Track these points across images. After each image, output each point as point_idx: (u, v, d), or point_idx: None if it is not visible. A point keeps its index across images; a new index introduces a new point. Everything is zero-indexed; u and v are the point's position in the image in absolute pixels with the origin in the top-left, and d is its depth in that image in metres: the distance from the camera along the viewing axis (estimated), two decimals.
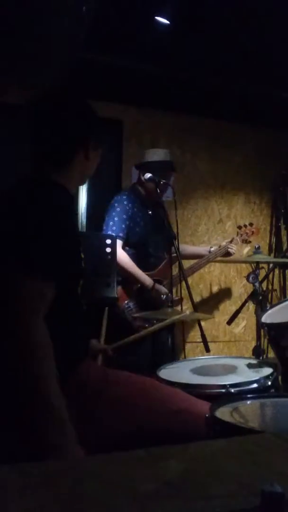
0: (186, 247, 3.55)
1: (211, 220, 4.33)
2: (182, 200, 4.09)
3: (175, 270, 3.10)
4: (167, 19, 3.08)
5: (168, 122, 4.17)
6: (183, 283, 2.84)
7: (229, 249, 3.45)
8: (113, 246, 2.60)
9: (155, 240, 3.13)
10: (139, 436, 1.37)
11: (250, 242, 3.66)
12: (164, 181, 3.07)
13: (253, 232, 3.61)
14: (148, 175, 3.05)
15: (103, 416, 1.38)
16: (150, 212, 3.19)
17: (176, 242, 2.85)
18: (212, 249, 3.51)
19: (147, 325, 2.74)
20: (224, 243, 3.54)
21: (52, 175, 1.50)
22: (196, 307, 3.01)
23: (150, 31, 3.12)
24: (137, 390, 1.46)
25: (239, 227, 3.65)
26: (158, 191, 3.04)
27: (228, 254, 3.46)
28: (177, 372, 1.96)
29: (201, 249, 3.63)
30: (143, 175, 3.10)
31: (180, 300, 3.05)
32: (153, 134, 4.09)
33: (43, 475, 0.78)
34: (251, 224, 3.67)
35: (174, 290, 2.97)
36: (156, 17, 3.07)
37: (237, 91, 3.86)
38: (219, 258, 3.50)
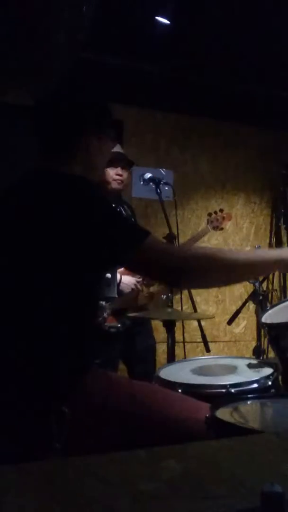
0: None
1: None
2: (182, 200, 4.09)
3: None
4: (168, 19, 3.08)
5: (168, 122, 4.17)
6: None
7: None
8: None
9: None
10: (143, 444, 1.36)
11: (222, 229, 3.49)
12: (164, 181, 3.06)
13: (224, 218, 3.43)
14: (148, 175, 3.04)
15: (105, 429, 1.38)
16: (118, 210, 3.17)
17: (176, 242, 2.85)
18: None
19: (119, 325, 2.74)
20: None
21: (57, 168, 1.49)
22: (196, 307, 3.02)
23: (150, 31, 3.12)
24: (141, 398, 1.44)
25: (209, 214, 3.48)
26: (159, 191, 3.02)
27: None
28: (177, 372, 1.96)
29: None
30: (142, 176, 3.08)
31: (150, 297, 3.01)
32: (153, 134, 4.09)
33: (43, 475, 0.78)
34: (221, 210, 3.48)
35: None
36: (157, 17, 3.07)
37: (237, 91, 3.86)
38: None
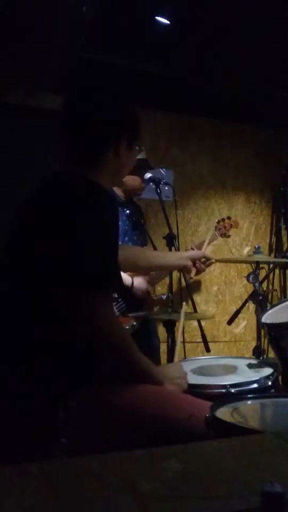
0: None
1: (211, 220, 4.32)
2: (182, 200, 4.09)
3: None
4: (167, 19, 3.08)
5: (168, 122, 4.17)
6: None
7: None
8: None
9: (132, 239, 3.11)
10: (149, 444, 1.37)
11: (229, 236, 3.49)
12: (164, 181, 3.06)
13: (231, 225, 3.43)
14: (148, 175, 3.05)
15: (111, 426, 1.38)
16: (128, 211, 3.17)
17: (176, 242, 2.84)
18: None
19: (127, 327, 2.75)
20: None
21: (83, 173, 1.48)
22: (196, 307, 3.01)
23: (150, 31, 3.12)
24: (144, 398, 1.45)
25: (218, 222, 3.47)
26: (159, 191, 3.03)
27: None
28: None
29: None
30: (144, 176, 3.09)
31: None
32: (153, 134, 4.09)
33: (43, 475, 0.78)
34: (229, 218, 3.48)
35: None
36: (156, 17, 3.07)
37: (237, 91, 3.86)
38: (218, 258, 3.48)
